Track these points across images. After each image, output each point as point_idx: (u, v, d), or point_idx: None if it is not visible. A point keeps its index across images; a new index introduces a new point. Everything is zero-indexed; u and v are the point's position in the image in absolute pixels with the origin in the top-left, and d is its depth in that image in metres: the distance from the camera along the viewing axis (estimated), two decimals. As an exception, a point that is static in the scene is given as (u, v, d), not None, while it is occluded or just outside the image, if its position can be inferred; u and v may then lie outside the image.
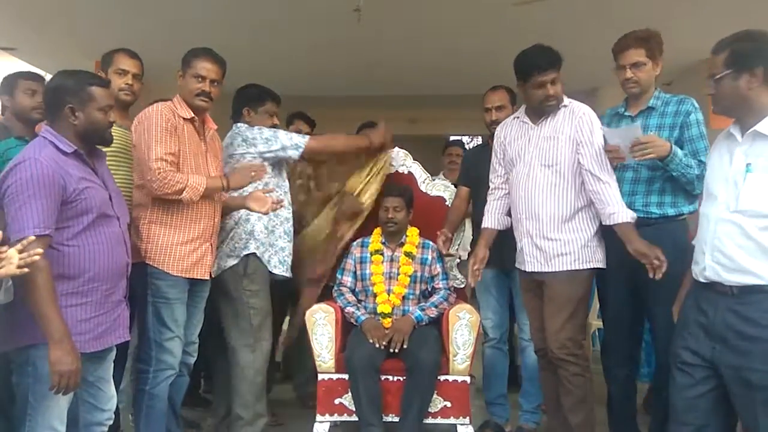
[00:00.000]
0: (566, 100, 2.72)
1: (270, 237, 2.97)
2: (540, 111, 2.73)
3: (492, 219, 2.94)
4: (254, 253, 2.91)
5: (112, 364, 2.30)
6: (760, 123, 1.93)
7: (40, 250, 1.79)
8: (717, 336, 1.98)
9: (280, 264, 3.01)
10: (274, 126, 3.10)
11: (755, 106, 1.95)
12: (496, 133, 2.96)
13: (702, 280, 2.06)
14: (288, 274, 3.07)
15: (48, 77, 2.52)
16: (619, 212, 2.55)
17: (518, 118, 2.84)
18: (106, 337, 2.18)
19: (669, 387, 2.16)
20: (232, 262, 2.90)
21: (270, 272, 2.97)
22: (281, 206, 2.90)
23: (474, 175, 3.33)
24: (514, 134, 2.84)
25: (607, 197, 2.57)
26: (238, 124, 3.05)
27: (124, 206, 2.34)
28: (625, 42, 2.72)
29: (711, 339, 2.00)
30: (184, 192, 2.57)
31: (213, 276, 2.86)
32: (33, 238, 1.80)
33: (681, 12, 4.37)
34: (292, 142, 2.98)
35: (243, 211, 2.92)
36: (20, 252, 1.74)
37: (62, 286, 2.03)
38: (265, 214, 2.85)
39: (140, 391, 2.63)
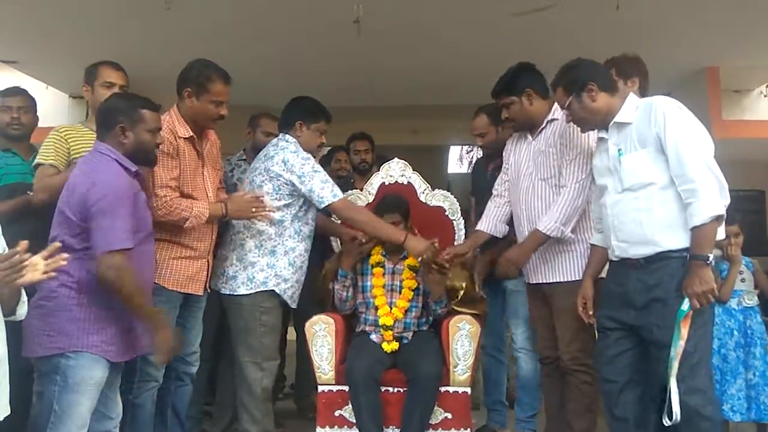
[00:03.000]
0: (558, 113, 2.73)
1: (298, 274, 2.92)
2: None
3: (488, 223, 2.99)
4: (273, 290, 2.84)
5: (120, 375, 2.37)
6: (617, 115, 2.33)
7: (66, 255, 1.84)
8: (631, 303, 2.27)
9: (297, 298, 2.98)
10: (321, 144, 3.06)
11: (607, 109, 2.36)
12: (509, 140, 3.03)
13: (614, 258, 2.38)
14: (294, 306, 3.02)
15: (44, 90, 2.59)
16: (544, 222, 2.65)
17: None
18: (133, 349, 2.29)
19: (594, 351, 2.50)
20: (245, 290, 2.82)
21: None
22: (266, 218, 2.80)
23: (476, 186, 3.46)
24: (517, 144, 2.93)
25: (555, 205, 2.66)
26: (287, 138, 2.95)
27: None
28: None
29: (627, 306, 2.29)
30: (188, 221, 2.59)
31: (227, 295, 2.85)
32: (59, 244, 1.86)
33: (677, 23, 4.38)
34: (320, 194, 2.82)
35: (270, 242, 2.86)
36: (46, 258, 1.78)
37: (110, 300, 2.14)
38: (248, 218, 2.79)
39: (125, 400, 2.63)
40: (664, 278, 2.19)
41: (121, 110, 2.26)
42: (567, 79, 2.41)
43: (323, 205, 2.86)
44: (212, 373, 3.42)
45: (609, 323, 2.36)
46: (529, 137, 2.86)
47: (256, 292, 2.82)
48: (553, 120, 2.77)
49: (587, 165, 2.63)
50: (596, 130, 2.46)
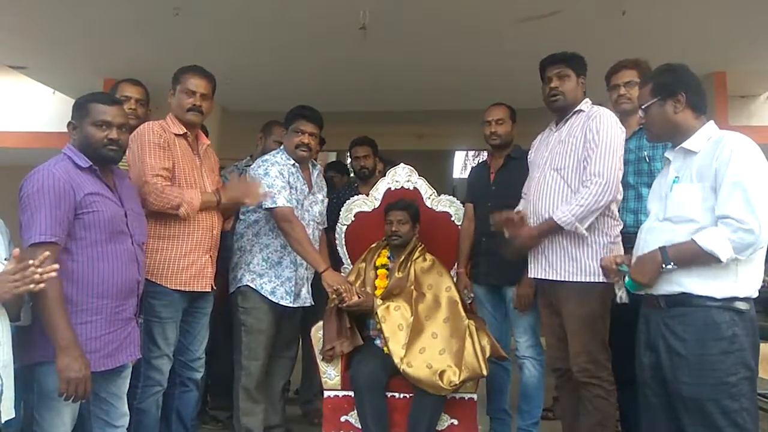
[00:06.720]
0: (585, 106, 2.70)
1: (276, 269, 3.01)
2: (554, 112, 2.77)
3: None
4: (248, 285, 2.99)
5: (127, 381, 2.31)
6: (687, 140, 2.14)
7: (56, 266, 1.82)
8: (655, 348, 2.13)
9: (287, 295, 3.01)
10: (300, 144, 3.06)
11: (683, 128, 2.16)
12: (535, 140, 2.95)
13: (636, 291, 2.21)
14: (297, 305, 3.05)
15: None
16: (560, 212, 2.54)
17: (550, 124, 2.87)
18: (117, 355, 2.19)
19: (638, 405, 2.25)
20: (231, 289, 3.06)
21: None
22: (264, 198, 2.88)
23: (474, 192, 3.38)
24: (541, 139, 2.88)
25: (577, 197, 2.55)
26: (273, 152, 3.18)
27: (142, 225, 2.36)
28: (619, 65, 2.95)
29: (651, 350, 2.15)
30: (181, 208, 2.60)
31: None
32: (48, 254, 1.82)
33: (684, 29, 4.38)
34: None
35: (246, 240, 3.03)
36: (37, 267, 1.76)
37: (72, 301, 2.05)
38: (248, 204, 2.89)
39: (129, 405, 2.62)
40: (686, 328, 2.03)
41: (74, 106, 2.21)
42: (660, 80, 2.20)
43: (267, 207, 2.97)
44: (228, 377, 3.40)
45: (648, 375, 2.18)
46: (554, 127, 2.80)
47: (237, 292, 3.01)
48: (579, 111, 2.70)
49: (615, 163, 2.54)
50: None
